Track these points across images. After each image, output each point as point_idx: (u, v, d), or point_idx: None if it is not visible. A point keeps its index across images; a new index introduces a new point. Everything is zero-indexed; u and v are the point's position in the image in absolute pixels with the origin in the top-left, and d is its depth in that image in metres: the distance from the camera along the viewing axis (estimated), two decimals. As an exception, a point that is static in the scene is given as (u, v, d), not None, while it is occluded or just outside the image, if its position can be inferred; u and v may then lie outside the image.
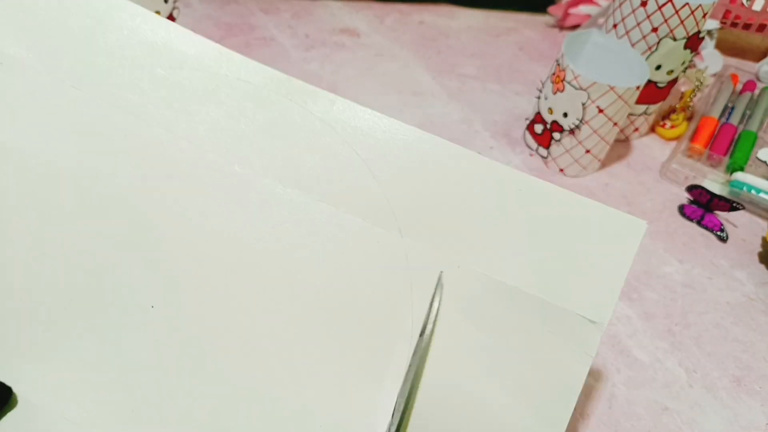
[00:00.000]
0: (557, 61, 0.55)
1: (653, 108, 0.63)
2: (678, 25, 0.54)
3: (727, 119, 0.66)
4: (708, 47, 0.72)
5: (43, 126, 0.32)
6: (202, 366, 0.29)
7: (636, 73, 0.55)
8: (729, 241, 0.56)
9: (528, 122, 0.63)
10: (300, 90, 0.34)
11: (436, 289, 0.31)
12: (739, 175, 0.58)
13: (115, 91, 0.33)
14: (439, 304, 0.31)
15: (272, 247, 0.31)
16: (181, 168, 0.32)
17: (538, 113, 0.60)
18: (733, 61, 0.76)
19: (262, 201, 0.32)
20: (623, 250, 0.32)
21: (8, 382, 0.27)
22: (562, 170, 0.61)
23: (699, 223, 0.57)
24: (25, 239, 0.30)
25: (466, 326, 0.30)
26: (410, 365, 0.29)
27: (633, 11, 0.55)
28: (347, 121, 0.33)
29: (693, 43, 0.57)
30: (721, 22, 0.74)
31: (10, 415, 0.27)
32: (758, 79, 0.73)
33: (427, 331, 0.30)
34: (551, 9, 0.82)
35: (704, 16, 0.54)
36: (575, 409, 0.30)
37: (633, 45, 0.57)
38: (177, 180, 0.32)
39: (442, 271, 0.31)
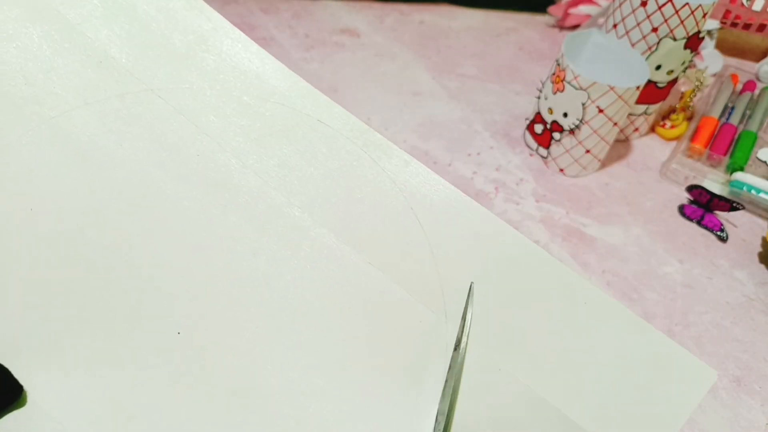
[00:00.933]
0: (557, 61, 0.55)
1: (653, 108, 0.63)
2: (678, 25, 0.54)
3: (727, 119, 0.66)
4: (708, 47, 0.72)
5: (123, 128, 0.33)
6: (225, 404, 0.28)
7: (636, 73, 0.55)
8: (729, 241, 0.56)
9: (528, 122, 0.63)
10: (377, 144, 0.33)
11: (467, 300, 0.29)
12: (739, 175, 0.58)
13: (200, 111, 0.33)
14: (471, 315, 0.29)
15: (313, 298, 0.30)
16: (242, 199, 0.32)
17: (538, 113, 0.60)
18: (733, 61, 0.76)
19: (313, 250, 0.31)
20: (684, 398, 0.29)
21: (24, 383, 0.27)
22: (562, 170, 0.61)
23: (699, 223, 0.57)
24: (69, 239, 0.30)
25: None
26: (447, 380, 0.28)
27: (633, 11, 0.55)
28: (417, 187, 0.32)
29: (693, 43, 0.57)
30: (721, 22, 0.74)
31: (16, 414, 0.27)
32: (758, 79, 0.73)
33: (462, 344, 0.28)
34: (551, 9, 0.82)
35: (704, 16, 0.54)
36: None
37: (633, 45, 0.57)
38: (235, 210, 0.31)
39: (472, 282, 0.30)
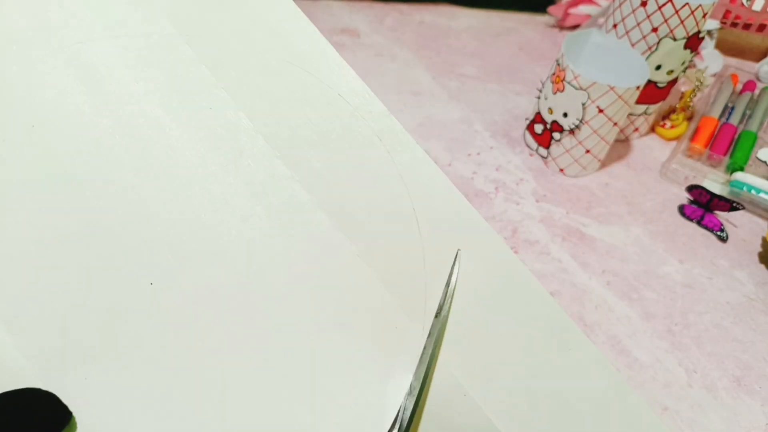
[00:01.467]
0: (557, 61, 0.55)
1: (653, 108, 0.63)
2: (678, 25, 0.54)
3: (727, 119, 0.66)
4: (708, 47, 0.72)
5: (142, 67, 0.32)
6: (183, 360, 0.28)
7: (636, 73, 0.55)
8: (729, 241, 0.56)
9: (528, 122, 0.63)
10: (394, 131, 0.32)
11: (453, 265, 0.29)
12: (739, 175, 0.58)
13: (222, 64, 0.32)
14: (456, 282, 0.28)
15: (292, 278, 0.29)
16: (245, 162, 0.31)
17: (538, 113, 0.60)
18: (733, 61, 0.76)
19: (304, 230, 0.30)
20: None
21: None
22: (562, 170, 0.61)
23: (699, 223, 0.57)
24: (63, 162, 0.30)
25: None
26: (425, 347, 0.28)
27: (633, 11, 0.55)
28: (427, 191, 0.31)
29: (693, 43, 0.57)
30: (721, 22, 0.74)
31: None
32: (758, 79, 0.73)
33: (444, 312, 0.28)
34: (551, 9, 0.82)
35: (704, 16, 0.54)
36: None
37: (633, 45, 0.57)
38: (234, 171, 0.31)
39: (459, 249, 0.29)
